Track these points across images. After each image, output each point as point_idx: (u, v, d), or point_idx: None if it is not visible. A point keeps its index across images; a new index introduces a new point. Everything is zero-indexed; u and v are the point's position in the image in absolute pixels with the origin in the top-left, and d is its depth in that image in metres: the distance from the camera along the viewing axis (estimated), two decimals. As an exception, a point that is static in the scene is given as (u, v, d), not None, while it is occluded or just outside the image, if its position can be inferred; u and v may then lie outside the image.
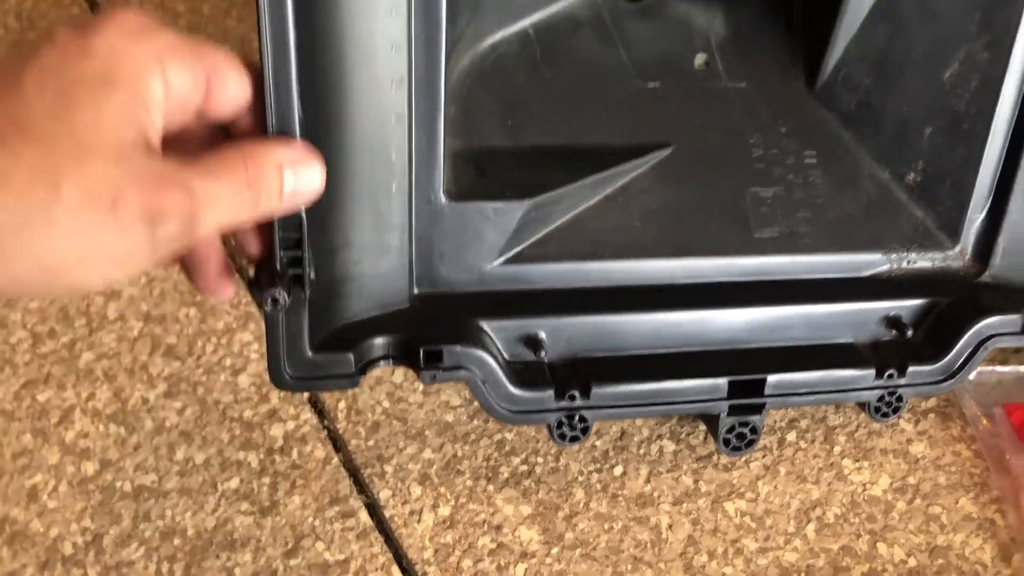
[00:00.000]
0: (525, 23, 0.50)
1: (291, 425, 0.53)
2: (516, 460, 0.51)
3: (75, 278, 0.31)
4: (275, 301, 0.38)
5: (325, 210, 0.39)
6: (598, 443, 0.51)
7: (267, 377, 0.43)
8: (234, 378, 0.55)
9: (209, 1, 0.66)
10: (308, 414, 0.53)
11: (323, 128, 0.38)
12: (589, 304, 0.47)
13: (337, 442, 0.52)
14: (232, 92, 0.34)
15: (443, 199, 0.44)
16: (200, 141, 0.35)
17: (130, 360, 0.56)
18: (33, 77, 0.29)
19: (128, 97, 0.30)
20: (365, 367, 0.43)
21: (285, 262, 0.39)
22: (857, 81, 0.51)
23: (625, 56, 0.51)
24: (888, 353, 0.49)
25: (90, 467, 0.52)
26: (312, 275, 0.40)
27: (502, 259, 0.46)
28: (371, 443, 0.52)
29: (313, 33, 0.36)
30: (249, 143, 0.34)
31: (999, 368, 0.53)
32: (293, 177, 0.35)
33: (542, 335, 0.46)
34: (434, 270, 0.45)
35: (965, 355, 0.48)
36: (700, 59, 0.53)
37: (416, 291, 0.45)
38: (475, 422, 0.52)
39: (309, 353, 0.42)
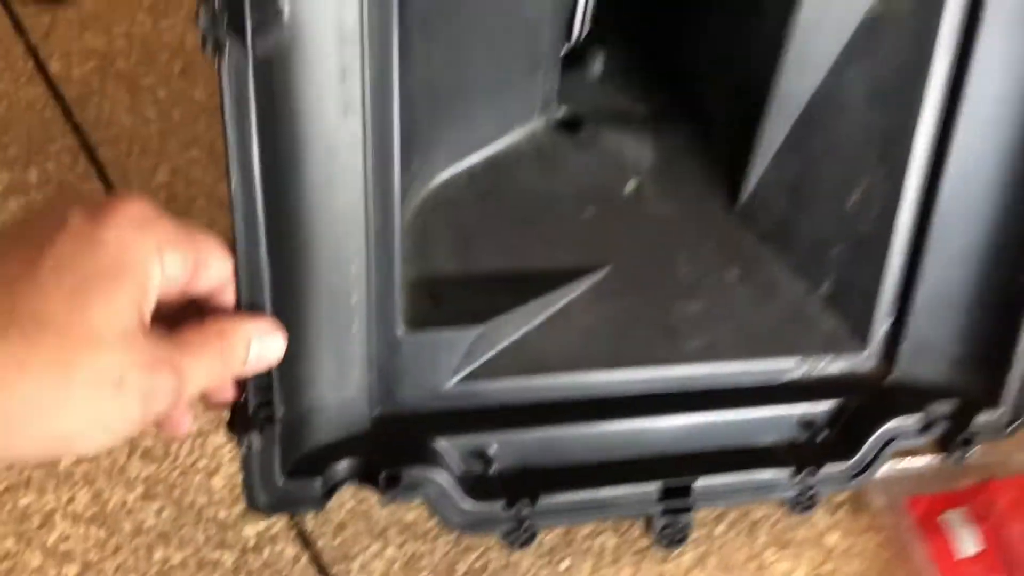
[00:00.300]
0: (473, 159, 0.55)
1: (263, 525, 0.57)
2: (472, 556, 0.55)
3: (75, 447, 0.35)
4: (250, 446, 0.42)
5: (293, 355, 0.44)
6: (546, 539, 0.56)
7: (239, 478, 0.48)
8: (208, 479, 0.59)
9: (180, 108, 0.70)
10: (279, 514, 0.58)
11: (288, 286, 0.43)
12: (535, 418, 0.51)
13: (307, 541, 0.57)
14: (214, 273, 0.39)
15: (401, 330, 0.48)
16: (174, 307, 0.39)
17: (109, 463, 0.59)
18: (51, 269, 0.34)
19: (133, 287, 0.35)
20: (331, 490, 0.47)
21: (257, 406, 0.43)
22: (773, 204, 0.57)
23: (564, 185, 0.57)
24: (804, 453, 0.54)
25: (72, 570, 0.55)
26: (281, 413, 0.45)
27: (455, 379, 0.51)
28: (338, 541, 0.56)
29: (279, 210, 0.41)
30: (222, 319, 0.39)
31: (905, 461, 0.59)
32: (259, 347, 0.40)
33: (492, 449, 0.50)
34: (392, 392, 0.50)
35: (872, 455, 0.54)
36: (631, 185, 0.58)
37: (376, 412, 0.50)
38: (434, 520, 0.57)
39: (280, 481, 0.46)
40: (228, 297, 0.40)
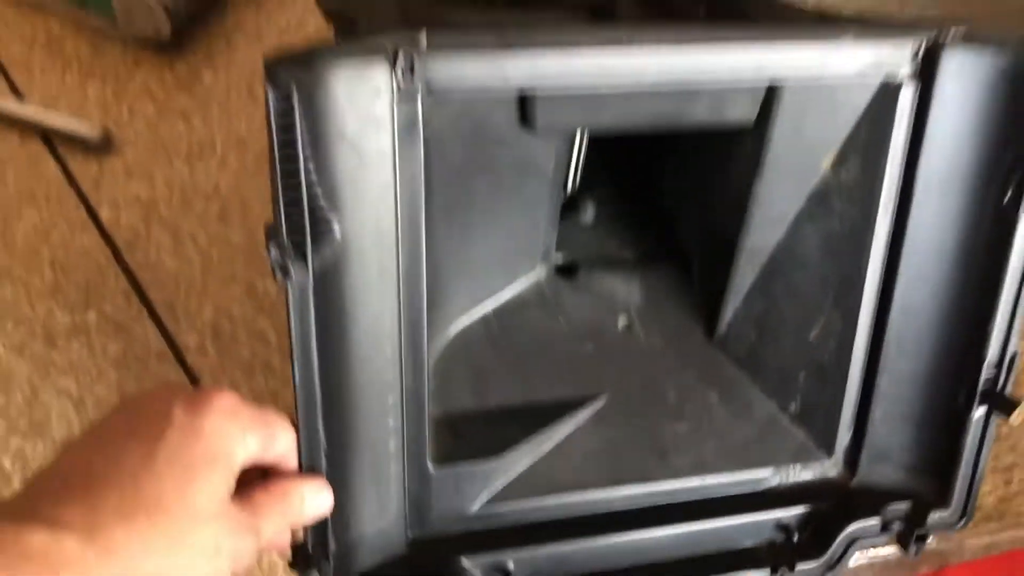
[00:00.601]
0: (485, 308, 0.63)
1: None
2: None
3: None
4: (313, 582, 0.50)
5: (343, 500, 0.52)
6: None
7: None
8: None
9: (217, 249, 0.78)
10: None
11: (340, 446, 0.51)
12: (547, 535, 0.59)
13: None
14: (281, 445, 0.47)
15: (430, 466, 0.57)
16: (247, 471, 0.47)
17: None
18: (165, 461, 0.42)
19: (226, 468, 0.43)
20: (374, 614, 0.55)
21: (314, 545, 0.51)
22: (745, 336, 0.65)
23: (564, 324, 0.65)
24: (781, 554, 0.62)
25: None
26: (334, 548, 0.53)
27: (477, 505, 0.59)
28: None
29: (333, 389, 0.49)
30: (284, 482, 0.48)
31: (872, 552, 0.67)
32: (313, 503, 0.48)
33: (510, 565, 0.58)
34: (424, 518, 0.58)
35: (840, 553, 0.62)
36: (622, 322, 0.67)
37: (410, 535, 0.58)
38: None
39: (330, 608, 0.54)
40: (292, 462, 0.49)
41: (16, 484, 0.68)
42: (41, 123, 0.82)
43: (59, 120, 0.82)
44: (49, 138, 0.83)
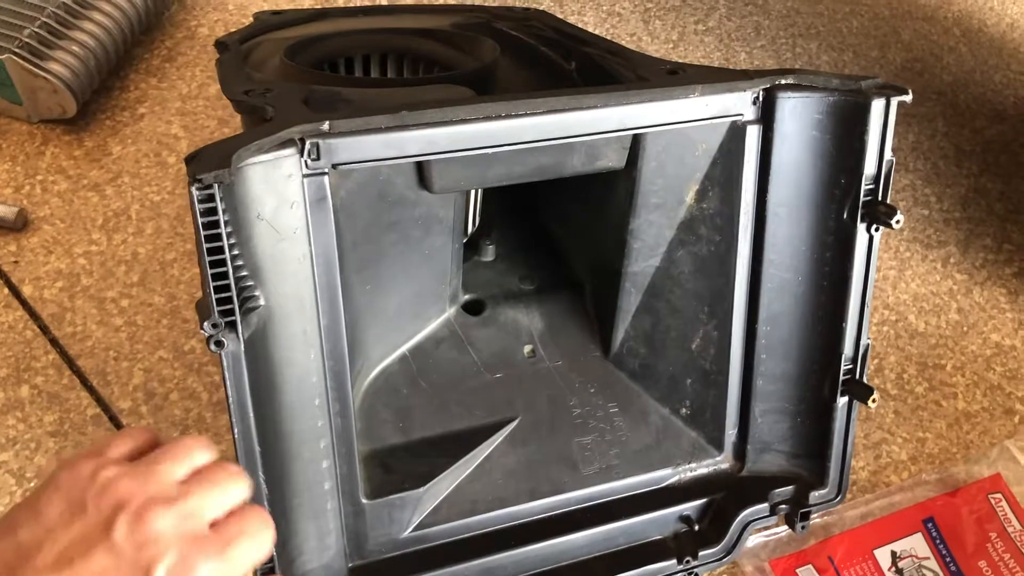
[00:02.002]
0: (403, 350, 0.69)
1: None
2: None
3: None
4: (263, 620, 0.56)
5: (286, 538, 0.58)
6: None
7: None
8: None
9: (142, 314, 0.82)
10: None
11: (280, 493, 0.57)
12: (473, 550, 0.65)
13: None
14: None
15: (363, 500, 0.62)
16: None
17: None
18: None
19: None
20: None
21: (266, 584, 0.57)
22: (636, 351, 0.73)
23: (475, 357, 0.71)
24: (685, 542, 0.70)
25: None
26: (282, 585, 0.58)
27: (408, 531, 0.65)
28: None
29: (269, 444, 0.55)
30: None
31: (766, 533, 0.75)
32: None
33: (443, 581, 0.65)
34: (361, 547, 0.63)
35: (736, 537, 0.70)
36: (527, 349, 0.73)
37: (350, 565, 0.63)
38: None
39: (285, 632, 0.59)
40: None
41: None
42: (-45, 207, 0.85)
43: (-27, 202, 0.85)
44: (-36, 221, 0.85)
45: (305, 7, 1.10)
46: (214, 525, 0.44)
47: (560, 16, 1.07)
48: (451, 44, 0.76)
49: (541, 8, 1.14)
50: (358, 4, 1.10)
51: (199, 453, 0.46)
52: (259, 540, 0.45)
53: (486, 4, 1.13)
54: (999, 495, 0.77)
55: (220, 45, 0.75)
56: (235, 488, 0.46)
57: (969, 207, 1.06)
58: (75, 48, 0.90)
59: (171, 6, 1.06)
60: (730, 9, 1.26)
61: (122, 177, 0.89)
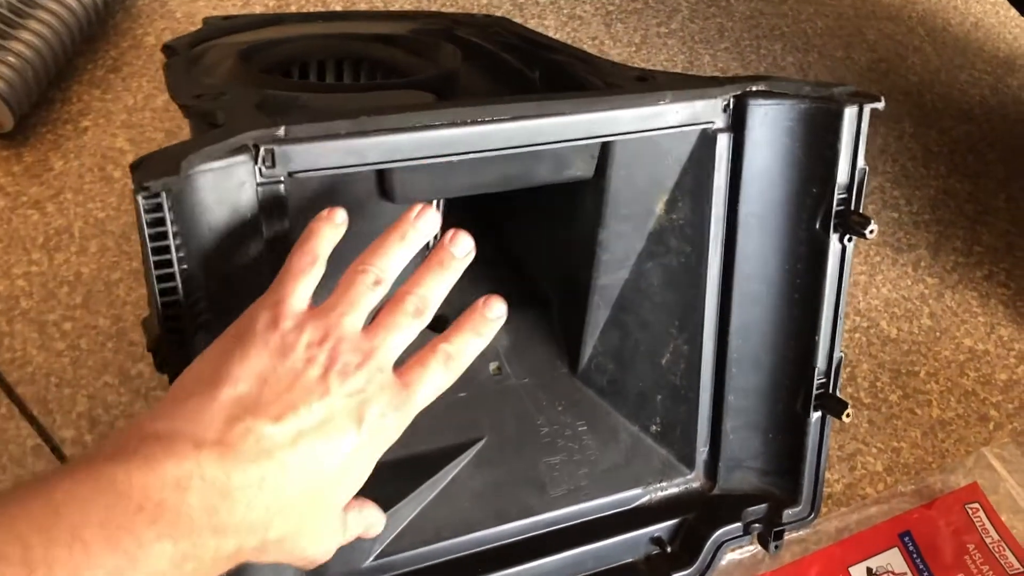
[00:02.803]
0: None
1: None
2: None
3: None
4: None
5: (236, 572, 0.54)
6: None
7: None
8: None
9: (86, 337, 0.78)
10: None
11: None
12: (440, 578, 0.63)
13: None
14: None
15: (323, 528, 0.59)
16: None
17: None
18: None
19: None
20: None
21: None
22: (604, 367, 0.71)
23: (438, 376, 0.69)
24: (657, 565, 0.67)
25: None
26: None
27: (370, 559, 0.61)
28: None
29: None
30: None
31: (741, 551, 0.73)
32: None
33: (407, 611, 0.61)
34: (326, 574, 0.60)
35: (709, 558, 0.68)
36: (493, 366, 0.71)
37: (313, 591, 0.60)
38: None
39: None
40: None
41: None
42: None
43: (-97, 220, 0.80)
44: None
45: (257, 12, 1.07)
46: (397, 370, 0.48)
47: (521, 21, 1.05)
48: (411, 50, 0.73)
49: (501, 14, 1.13)
50: (312, 11, 1.07)
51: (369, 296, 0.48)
52: (438, 383, 0.50)
53: (446, 10, 1.11)
54: (976, 504, 0.76)
55: (168, 49, 0.71)
56: (409, 328, 0.48)
57: (938, 209, 1.06)
58: (11, 59, 0.86)
59: (116, 14, 1.02)
60: (693, 11, 1.26)
61: (64, 193, 0.85)
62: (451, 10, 1.15)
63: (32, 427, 0.72)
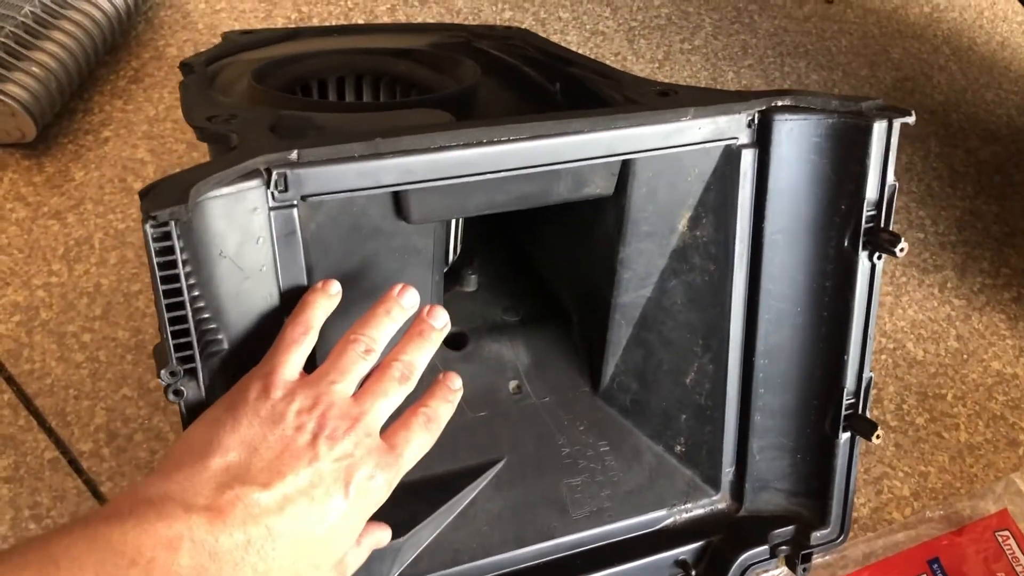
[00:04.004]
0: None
1: None
2: None
3: None
4: None
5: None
6: None
7: None
8: None
9: (105, 350, 0.78)
10: None
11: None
12: (458, 603, 0.62)
13: None
14: None
15: (341, 550, 0.58)
16: None
17: None
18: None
19: None
20: None
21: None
22: (627, 386, 0.69)
23: (458, 394, 0.68)
24: (682, 589, 0.66)
25: None
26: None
27: (390, 581, 0.61)
28: None
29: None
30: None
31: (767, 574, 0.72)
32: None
33: (424, 636, 0.60)
34: (342, 599, 0.59)
35: (735, 582, 0.66)
36: (513, 385, 0.70)
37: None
38: None
39: None
40: None
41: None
42: (-94, 237, 0.81)
43: (-75, 232, 0.80)
44: (-84, 251, 0.81)
45: (278, 27, 1.06)
46: (383, 434, 0.50)
47: (543, 35, 1.04)
48: (430, 65, 0.72)
49: (523, 27, 1.11)
50: (333, 24, 1.07)
51: (360, 365, 0.50)
52: (421, 444, 0.52)
53: (466, 23, 1.10)
54: (1006, 532, 0.74)
55: (185, 67, 0.71)
56: (396, 394, 0.50)
57: (965, 230, 1.03)
58: (35, 69, 0.85)
59: (137, 25, 1.02)
60: (716, 28, 1.24)
61: (85, 204, 0.85)
62: (472, 23, 1.14)
63: (50, 439, 0.72)
